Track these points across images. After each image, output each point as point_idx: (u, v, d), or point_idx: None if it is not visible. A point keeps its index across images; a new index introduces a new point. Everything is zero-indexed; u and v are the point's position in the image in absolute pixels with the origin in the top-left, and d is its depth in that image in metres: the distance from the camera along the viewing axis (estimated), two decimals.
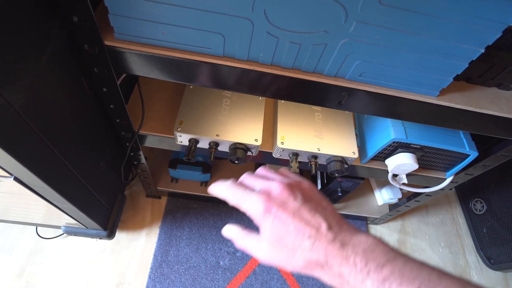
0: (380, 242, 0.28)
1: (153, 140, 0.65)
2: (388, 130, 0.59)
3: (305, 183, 0.34)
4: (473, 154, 0.62)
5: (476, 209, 1.11)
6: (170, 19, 0.37)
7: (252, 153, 0.63)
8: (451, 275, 0.24)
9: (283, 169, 0.38)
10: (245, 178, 0.36)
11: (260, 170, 0.37)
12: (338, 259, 0.28)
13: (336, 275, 0.28)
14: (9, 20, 0.35)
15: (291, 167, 0.63)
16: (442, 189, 0.74)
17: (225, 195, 0.35)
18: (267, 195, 0.32)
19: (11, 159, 0.40)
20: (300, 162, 0.64)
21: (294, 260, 0.30)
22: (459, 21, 0.35)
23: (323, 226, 0.30)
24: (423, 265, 0.26)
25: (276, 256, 0.31)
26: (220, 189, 0.35)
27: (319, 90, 0.46)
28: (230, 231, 0.35)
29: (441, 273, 0.25)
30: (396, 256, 0.27)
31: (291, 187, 0.32)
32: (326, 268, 0.29)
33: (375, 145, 0.63)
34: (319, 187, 0.96)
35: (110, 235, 0.84)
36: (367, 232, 0.28)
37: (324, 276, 0.29)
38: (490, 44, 0.37)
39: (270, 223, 0.31)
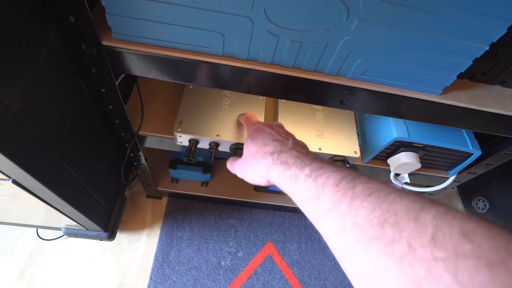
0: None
1: (153, 141, 0.65)
2: (390, 129, 0.59)
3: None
4: (476, 153, 0.61)
5: (478, 208, 1.10)
6: (169, 18, 0.37)
7: None
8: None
9: None
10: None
11: None
12: (288, 154, 0.35)
13: (282, 163, 0.34)
14: (4, 21, 0.34)
15: None
16: (444, 188, 0.74)
17: (241, 117, 0.55)
18: (263, 122, 0.46)
19: (9, 162, 0.39)
20: None
21: (255, 154, 0.39)
22: (463, 18, 0.34)
23: (290, 141, 0.38)
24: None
25: (244, 157, 0.42)
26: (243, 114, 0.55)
27: (320, 89, 0.45)
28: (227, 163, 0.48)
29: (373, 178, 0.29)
30: (339, 164, 0.33)
31: (283, 127, 0.44)
32: (276, 159, 0.36)
33: (377, 144, 0.62)
34: None
35: (111, 236, 0.84)
36: None
37: (270, 167, 0.36)
38: (494, 41, 0.36)
39: (253, 129, 0.43)
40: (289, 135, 0.40)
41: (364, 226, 0.23)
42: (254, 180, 0.40)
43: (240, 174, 0.43)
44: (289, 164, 0.33)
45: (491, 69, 0.46)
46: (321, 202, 0.27)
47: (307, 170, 0.30)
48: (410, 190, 0.24)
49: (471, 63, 0.40)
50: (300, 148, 0.36)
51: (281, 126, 0.44)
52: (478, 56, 0.38)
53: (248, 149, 0.41)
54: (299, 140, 0.41)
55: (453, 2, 0.32)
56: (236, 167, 0.44)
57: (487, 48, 0.37)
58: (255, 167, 0.38)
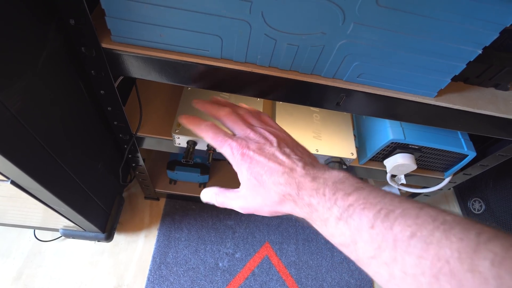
0: (351, 175, 0.30)
1: (151, 142, 0.65)
2: (386, 131, 0.60)
3: (283, 131, 0.37)
4: (471, 154, 0.62)
5: (474, 209, 1.11)
6: (167, 22, 0.37)
7: None
8: (412, 200, 0.25)
9: (264, 115, 0.40)
10: (227, 117, 0.39)
11: (242, 111, 0.40)
12: (308, 191, 0.29)
13: (305, 205, 0.29)
14: (5, 23, 0.34)
15: None
16: (440, 189, 0.74)
17: (205, 136, 0.37)
18: (246, 141, 0.34)
19: (8, 163, 0.40)
20: None
21: (270, 197, 0.32)
22: (456, 23, 0.34)
23: (297, 164, 0.32)
24: (387, 193, 0.26)
25: (254, 197, 0.33)
26: (201, 129, 0.37)
27: (317, 91, 0.46)
28: (207, 194, 0.37)
29: (403, 199, 0.25)
30: (363, 186, 0.28)
31: (269, 134, 0.35)
32: (297, 200, 0.30)
33: (374, 146, 0.63)
34: None
35: (109, 237, 0.84)
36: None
37: (295, 208, 0.31)
38: (487, 45, 0.37)
39: (247, 166, 0.32)
40: (290, 156, 0.33)
41: (416, 277, 0.21)
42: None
43: (246, 212, 0.35)
44: (313, 205, 0.29)
45: (484, 72, 0.47)
46: (360, 248, 0.25)
47: (335, 211, 0.27)
48: (454, 218, 0.22)
49: (465, 66, 0.40)
50: (311, 170, 0.31)
51: (265, 133, 0.35)
52: (471, 60, 0.39)
53: (252, 190, 0.33)
54: (292, 140, 0.36)
55: (446, 7, 0.33)
56: (240, 207, 0.35)
57: (480, 51, 0.38)
58: (274, 208, 0.32)
